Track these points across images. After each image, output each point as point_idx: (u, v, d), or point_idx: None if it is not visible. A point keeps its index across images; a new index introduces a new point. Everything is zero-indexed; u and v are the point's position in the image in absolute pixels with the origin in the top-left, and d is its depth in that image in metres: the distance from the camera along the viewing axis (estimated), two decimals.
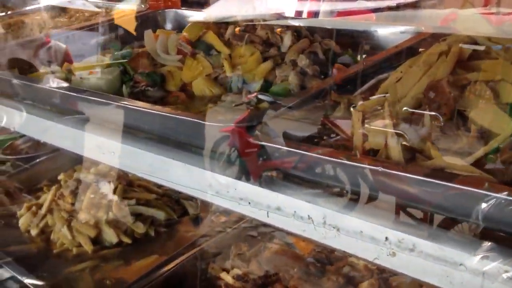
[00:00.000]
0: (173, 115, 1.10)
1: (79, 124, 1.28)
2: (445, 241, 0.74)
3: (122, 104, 1.19)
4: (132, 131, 1.18)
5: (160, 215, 2.19)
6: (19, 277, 1.94)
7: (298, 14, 1.84)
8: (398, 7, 1.70)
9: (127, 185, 2.25)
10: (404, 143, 0.83)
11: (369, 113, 0.96)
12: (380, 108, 0.98)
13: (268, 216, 0.94)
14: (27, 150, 3.19)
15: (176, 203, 2.34)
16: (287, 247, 1.96)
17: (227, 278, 1.61)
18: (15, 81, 1.43)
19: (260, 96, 1.19)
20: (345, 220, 0.82)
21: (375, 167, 0.77)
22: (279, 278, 1.65)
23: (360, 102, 1.02)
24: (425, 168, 0.78)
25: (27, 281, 1.92)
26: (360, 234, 0.80)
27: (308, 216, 0.87)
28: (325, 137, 0.98)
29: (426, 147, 0.84)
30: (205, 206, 2.34)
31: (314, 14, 1.85)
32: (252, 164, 0.92)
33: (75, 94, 1.31)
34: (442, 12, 1.68)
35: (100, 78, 1.44)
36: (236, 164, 0.93)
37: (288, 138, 0.95)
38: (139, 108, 1.16)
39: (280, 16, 1.69)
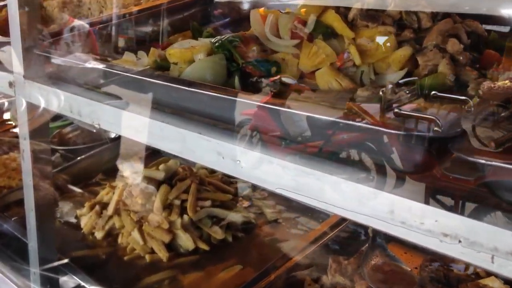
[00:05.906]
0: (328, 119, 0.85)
1: (191, 125, 1.04)
2: None
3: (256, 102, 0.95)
4: (269, 136, 0.93)
5: (237, 218, 1.96)
6: (87, 287, 1.75)
7: None
8: None
9: (199, 183, 2.02)
10: None
11: None
12: None
13: (493, 262, 0.68)
14: (74, 140, 2.99)
15: (251, 205, 2.12)
16: (391, 261, 1.71)
17: None
18: (107, 69, 1.20)
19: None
20: None
21: None
22: None
23: None
24: None
25: None
26: None
27: None
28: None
29: None
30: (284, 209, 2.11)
31: None
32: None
33: (183, 87, 1.07)
34: None
35: (203, 66, 1.19)
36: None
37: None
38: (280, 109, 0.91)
39: None
